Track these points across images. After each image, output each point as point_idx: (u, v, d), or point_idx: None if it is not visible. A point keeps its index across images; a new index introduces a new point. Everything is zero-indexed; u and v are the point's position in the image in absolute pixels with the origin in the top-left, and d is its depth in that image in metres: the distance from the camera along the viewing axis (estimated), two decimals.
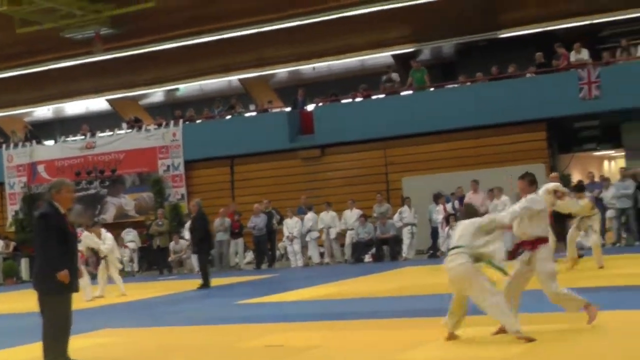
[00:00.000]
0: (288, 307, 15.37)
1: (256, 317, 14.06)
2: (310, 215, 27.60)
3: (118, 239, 30.63)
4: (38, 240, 10.32)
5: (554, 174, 21.08)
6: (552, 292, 10.09)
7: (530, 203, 10.13)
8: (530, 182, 10.45)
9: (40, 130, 39.02)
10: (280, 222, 28.21)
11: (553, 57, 28.14)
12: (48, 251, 10.01)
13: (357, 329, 11.85)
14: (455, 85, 30.12)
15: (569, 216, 18.36)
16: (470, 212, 10.36)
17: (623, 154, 28.24)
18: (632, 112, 26.35)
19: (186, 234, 27.53)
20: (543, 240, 10.19)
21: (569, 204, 16.96)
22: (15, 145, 35.36)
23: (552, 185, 16.55)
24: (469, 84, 29.56)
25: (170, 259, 29.02)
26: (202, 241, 22.30)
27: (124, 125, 35.53)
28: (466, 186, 26.05)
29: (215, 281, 23.02)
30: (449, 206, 26.09)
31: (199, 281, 21.72)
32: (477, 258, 9.73)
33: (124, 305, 18.92)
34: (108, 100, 39.37)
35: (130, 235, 30.53)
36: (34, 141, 35.46)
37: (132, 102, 39.56)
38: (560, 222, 18.81)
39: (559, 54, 27.91)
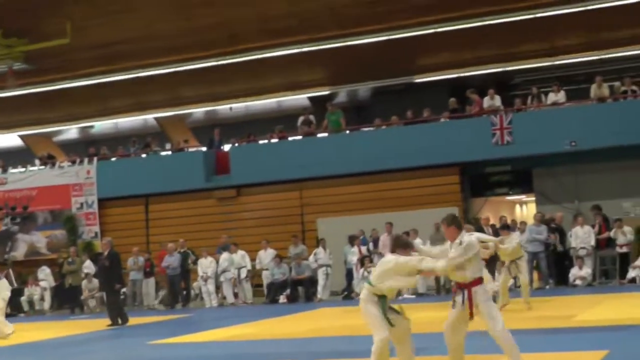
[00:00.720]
0: (201, 348, 15.27)
1: (167, 358, 13.94)
2: (225, 255, 27.47)
3: (30, 276, 30.28)
4: None
5: (468, 226, 21.42)
6: (498, 331, 10.13)
7: (470, 249, 10.10)
8: (459, 227, 10.40)
9: None
10: (195, 262, 28.05)
11: (466, 103, 28.67)
12: None
13: None
14: (371, 128, 30.40)
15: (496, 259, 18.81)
16: (401, 243, 10.29)
17: (534, 198, 28.75)
18: (543, 157, 26.90)
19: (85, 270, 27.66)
20: (479, 280, 10.20)
21: (509, 246, 17.89)
22: None
23: (480, 235, 16.90)
24: (384, 127, 29.85)
25: (82, 297, 28.60)
26: (114, 280, 22.09)
27: (37, 161, 35.06)
28: (381, 228, 26.25)
29: (129, 321, 22.80)
30: (364, 248, 26.26)
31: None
32: (379, 294, 9.82)
33: (32, 345, 18.57)
34: (20, 136, 38.85)
35: (43, 274, 30.00)
36: None
37: (46, 138, 39.08)
38: (491, 263, 19.17)
39: (472, 100, 28.44)
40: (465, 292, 10.03)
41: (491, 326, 10.05)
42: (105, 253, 22.70)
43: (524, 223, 26.18)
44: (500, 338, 10.07)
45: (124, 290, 26.13)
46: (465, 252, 9.93)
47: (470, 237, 10.22)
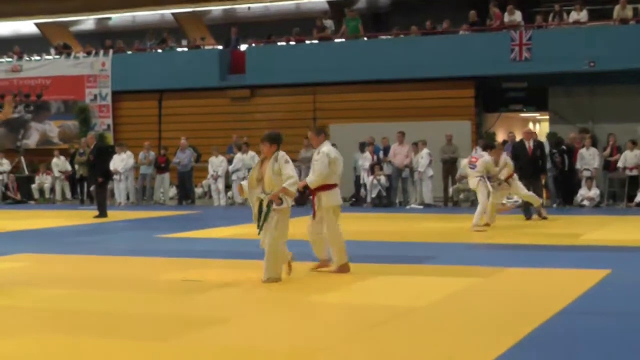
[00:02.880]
0: (208, 244, 15.42)
1: (175, 251, 14.11)
2: (238, 154, 27.53)
3: (42, 165, 30.48)
4: None
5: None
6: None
7: (328, 156, 11.29)
8: (318, 133, 11.73)
9: None
10: (198, 160, 28.09)
11: (487, 17, 28.41)
12: None
13: None
14: (389, 37, 30.21)
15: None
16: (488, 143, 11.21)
17: (548, 117, 28.66)
18: (560, 76, 26.75)
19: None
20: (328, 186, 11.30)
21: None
22: None
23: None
24: (402, 36, 29.67)
25: (91, 188, 28.79)
26: (101, 174, 22.33)
27: (52, 50, 34.98)
28: (392, 137, 26.28)
29: (137, 214, 23.07)
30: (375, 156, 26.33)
31: (120, 212, 21.74)
32: None
33: (42, 231, 18.82)
34: (37, 24, 38.66)
35: (59, 163, 29.94)
36: None
37: (62, 27, 38.88)
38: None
39: (492, 14, 28.16)
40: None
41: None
42: (91, 147, 22.92)
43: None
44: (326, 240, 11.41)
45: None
46: (327, 159, 11.31)
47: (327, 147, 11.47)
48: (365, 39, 30.51)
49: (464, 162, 18.70)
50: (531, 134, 21.24)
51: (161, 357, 6.98)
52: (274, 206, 10.35)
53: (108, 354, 7.04)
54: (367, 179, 26.02)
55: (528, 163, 20.02)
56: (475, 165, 18.20)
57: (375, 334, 7.69)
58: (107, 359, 6.92)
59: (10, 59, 33.61)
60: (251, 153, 27.49)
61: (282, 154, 10.56)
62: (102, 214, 22.07)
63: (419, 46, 28.39)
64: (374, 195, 25.72)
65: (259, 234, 10.52)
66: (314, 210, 11.31)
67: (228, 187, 27.68)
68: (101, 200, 22.51)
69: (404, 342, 7.41)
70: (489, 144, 20.29)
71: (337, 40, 30.45)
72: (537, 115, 31.60)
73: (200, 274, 11.02)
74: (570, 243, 15.03)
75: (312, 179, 11.23)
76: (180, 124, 30.38)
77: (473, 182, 18.20)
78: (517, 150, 20.80)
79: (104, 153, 23.26)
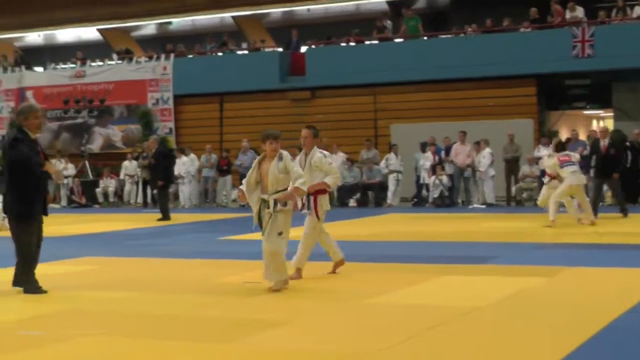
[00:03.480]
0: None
1: (237, 253, 14.16)
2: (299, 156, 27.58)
3: (105, 169, 30.84)
4: (5, 166, 10.45)
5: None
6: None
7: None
8: (316, 134, 11.55)
9: (31, 56, 38.83)
10: None
11: (548, 14, 28.12)
12: (9, 176, 10.23)
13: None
14: (449, 36, 30.08)
15: None
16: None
17: (612, 114, 28.31)
18: (623, 72, 26.39)
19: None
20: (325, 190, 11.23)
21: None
22: (5, 70, 35.21)
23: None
24: (462, 35, 29.52)
25: (153, 192, 29.03)
26: (163, 179, 22.57)
27: (115, 56, 35.37)
28: (453, 136, 26.15)
29: (199, 217, 23.24)
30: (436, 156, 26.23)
31: (184, 214, 21.91)
32: None
33: (106, 234, 19.02)
34: (99, 30, 39.10)
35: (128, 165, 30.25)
36: (23, 67, 35.32)
37: (124, 33, 39.29)
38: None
39: (553, 11, 27.87)
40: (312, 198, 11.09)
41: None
42: (152, 151, 23.13)
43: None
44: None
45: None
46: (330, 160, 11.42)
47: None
48: (425, 38, 30.41)
49: (551, 162, 18.38)
50: (605, 133, 21.00)
51: (223, 359, 6.99)
52: (279, 207, 10.06)
53: (171, 355, 7.08)
54: (428, 179, 25.92)
55: (603, 162, 19.85)
56: (571, 162, 17.92)
57: (437, 335, 7.64)
58: None
59: (73, 65, 34.09)
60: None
61: (285, 152, 10.23)
62: (165, 217, 22.29)
63: (479, 44, 28.22)
64: (435, 195, 25.62)
65: (263, 235, 10.18)
66: (316, 212, 11.17)
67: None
68: (163, 204, 22.74)
69: (466, 343, 7.34)
70: (560, 143, 20.09)
71: (396, 40, 30.38)
72: (600, 112, 31.25)
73: (261, 276, 11.02)
74: (637, 242, 14.81)
75: (333, 180, 11.16)
76: (242, 126, 30.52)
77: (573, 179, 17.79)
78: (592, 149, 20.78)
79: (165, 157, 23.46)
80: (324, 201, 11.15)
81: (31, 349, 7.35)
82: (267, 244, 10.05)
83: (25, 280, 10.15)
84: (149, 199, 28.77)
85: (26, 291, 10.11)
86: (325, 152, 11.48)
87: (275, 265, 10.08)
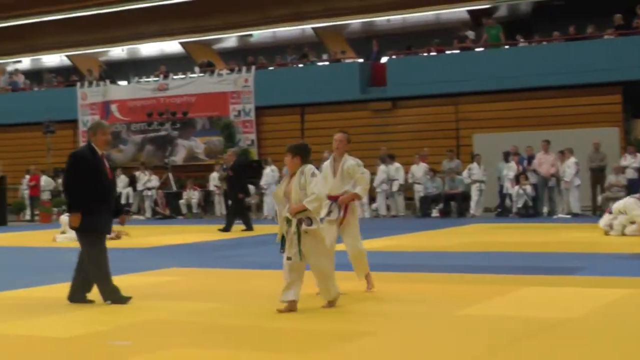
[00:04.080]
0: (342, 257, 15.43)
1: None
2: (382, 167, 27.64)
3: (189, 181, 31.12)
4: (64, 179, 10.64)
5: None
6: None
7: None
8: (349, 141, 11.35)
9: (115, 71, 39.42)
10: None
11: (633, 20, 27.64)
12: (69, 191, 10.39)
13: (420, 281, 11.87)
14: (531, 44, 29.76)
15: None
16: None
17: None
18: None
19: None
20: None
21: None
22: (90, 84, 35.81)
23: None
24: (544, 43, 29.19)
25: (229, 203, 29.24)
26: (238, 190, 22.78)
27: (197, 68, 35.74)
28: (536, 146, 25.86)
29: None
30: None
31: (266, 226, 22.04)
32: None
33: (189, 246, 19.17)
34: (181, 44, 39.56)
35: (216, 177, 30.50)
36: (107, 81, 35.89)
37: (205, 46, 39.70)
38: None
39: (639, 16, 27.39)
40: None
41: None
42: (231, 163, 23.30)
43: None
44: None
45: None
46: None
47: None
48: (507, 47, 30.12)
49: None
50: None
51: None
52: (303, 227, 9.42)
53: None
54: (511, 189, 25.66)
55: None
56: None
57: (524, 347, 7.49)
58: None
59: (156, 78, 34.51)
60: (396, 164, 27.48)
61: (309, 167, 9.58)
62: (248, 227, 22.47)
63: (562, 52, 27.88)
64: (519, 205, 25.34)
65: (280, 252, 9.63)
66: (344, 218, 10.79)
67: (372, 199, 27.69)
68: (244, 215, 22.92)
69: (555, 356, 7.19)
70: None
71: (477, 49, 30.16)
72: None
73: (345, 286, 10.98)
74: None
75: (363, 191, 10.90)
76: (322, 137, 30.46)
77: None
78: None
79: (243, 169, 23.70)
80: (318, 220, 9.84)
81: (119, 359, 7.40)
82: (314, 267, 9.69)
83: (109, 291, 10.24)
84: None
85: (108, 300, 10.22)
86: (358, 160, 11.13)
87: (326, 284, 9.74)
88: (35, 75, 43.36)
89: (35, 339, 8.35)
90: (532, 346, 7.53)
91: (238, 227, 22.60)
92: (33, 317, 9.51)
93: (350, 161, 10.91)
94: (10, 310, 10.13)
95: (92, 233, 10.24)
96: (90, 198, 10.15)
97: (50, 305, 10.21)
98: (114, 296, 10.22)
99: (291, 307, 9.40)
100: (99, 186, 10.22)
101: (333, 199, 10.73)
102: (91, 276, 10.28)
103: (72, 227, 10.38)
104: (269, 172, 28.58)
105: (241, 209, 23.15)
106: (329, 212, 10.72)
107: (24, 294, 11.54)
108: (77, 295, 10.36)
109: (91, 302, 10.27)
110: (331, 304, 9.73)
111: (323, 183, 9.80)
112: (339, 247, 10.76)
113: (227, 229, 22.52)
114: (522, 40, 30.34)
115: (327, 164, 11.00)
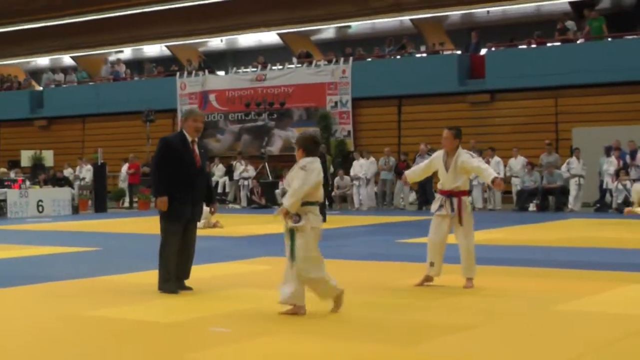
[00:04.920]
0: (448, 249, 15.35)
1: (414, 256, 14.03)
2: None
3: (284, 171, 31.31)
4: (152, 162, 10.75)
5: None
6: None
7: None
8: (456, 136, 10.74)
9: (213, 61, 39.83)
10: None
11: None
12: (155, 176, 10.40)
13: (516, 275, 11.73)
14: (635, 36, 29.15)
15: None
16: None
17: None
18: None
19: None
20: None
21: None
22: (189, 74, 36.24)
23: None
24: None
25: (333, 194, 29.36)
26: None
27: (294, 59, 35.88)
28: (638, 140, 25.34)
29: (377, 219, 23.29)
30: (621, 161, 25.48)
31: (361, 217, 22.03)
32: None
33: (282, 235, 19.18)
34: (279, 35, 39.76)
35: None
36: (206, 71, 36.28)
37: (303, 37, 39.84)
38: None
39: None
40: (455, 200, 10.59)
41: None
42: None
43: None
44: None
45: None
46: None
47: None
48: (610, 39, 29.55)
49: None
50: None
51: None
52: (290, 224, 8.77)
53: (355, 356, 7.05)
54: (611, 184, 25.18)
55: None
56: None
57: (625, 346, 7.33)
58: None
59: (255, 69, 34.75)
60: (496, 158, 27.22)
61: (304, 160, 8.85)
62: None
63: None
64: (619, 200, 24.85)
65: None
66: (460, 215, 10.62)
67: (469, 192, 27.43)
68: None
69: None
70: None
71: (579, 41, 29.66)
72: None
73: (440, 279, 10.90)
74: None
75: (491, 173, 10.64)
76: (420, 129, 30.42)
77: None
78: None
79: (324, 161, 23.72)
80: (312, 217, 8.90)
81: (222, 345, 7.48)
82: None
83: (162, 280, 10.31)
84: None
85: (161, 289, 10.27)
86: (472, 152, 10.96)
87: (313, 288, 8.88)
88: (137, 65, 44.10)
89: (136, 323, 8.50)
90: (634, 345, 7.38)
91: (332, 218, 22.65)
92: (136, 303, 9.70)
93: (465, 155, 10.70)
94: (115, 294, 10.32)
95: (171, 220, 10.27)
96: (175, 185, 10.20)
97: (149, 291, 10.35)
98: (165, 286, 10.25)
99: (295, 310, 8.74)
100: (183, 173, 10.26)
101: (445, 193, 10.66)
102: (159, 258, 10.33)
103: (158, 210, 10.40)
104: (366, 164, 28.66)
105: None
106: (440, 207, 10.64)
107: (127, 279, 11.75)
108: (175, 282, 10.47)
109: (189, 289, 10.37)
110: (336, 303, 8.94)
111: (309, 177, 8.75)
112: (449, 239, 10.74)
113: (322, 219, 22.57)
114: (625, 32, 29.72)
115: (439, 155, 10.83)
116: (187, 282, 10.46)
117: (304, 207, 8.78)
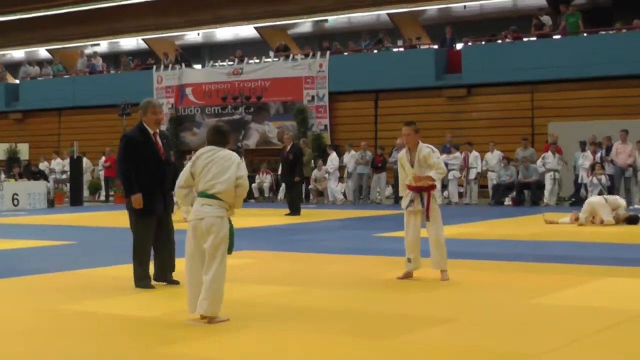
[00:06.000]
0: (425, 243, 15.38)
1: (392, 250, 14.07)
2: (457, 154, 27.52)
3: (261, 165, 31.33)
4: (117, 161, 10.62)
5: None
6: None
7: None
8: (416, 131, 10.88)
9: (190, 55, 39.70)
10: None
11: None
12: (123, 172, 10.27)
13: (493, 269, 11.79)
14: (610, 32, 29.29)
15: None
16: None
17: None
18: None
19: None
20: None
21: None
22: (166, 67, 36.11)
23: None
24: (624, 31, 28.70)
25: (310, 187, 29.40)
26: (295, 173, 23.20)
27: (272, 53, 35.80)
28: (614, 135, 25.45)
29: (354, 213, 23.29)
30: (597, 155, 25.56)
31: (339, 211, 22.06)
32: None
33: (260, 229, 19.23)
34: (256, 28, 39.68)
35: None
36: (183, 64, 36.15)
37: (280, 31, 39.78)
38: None
39: None
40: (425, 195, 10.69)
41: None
42: (289, 147, 23.42)
43: None
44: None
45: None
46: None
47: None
48: (585, 34, 29.67)
49: None
50: None
51: (391, 354, 6.90)
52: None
53: (336, 349, 7.07)
54: (586, 178, 25.29)
55: None
56: None
57: (605, 338, 7.39)
58: (336, 355, 6.93)
59: (231, 63, 34.66)
60: (475, 153, 27.34)
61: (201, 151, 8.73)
62: (295, 212, 22.61)
63: None
64: (594, 195, 24.94)
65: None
66: (428, 210, 10.73)
67: (444, 186, 27.51)
68: (295, 199, 23.10)
69: (638, 348, 7.07)
70: None
71: (555, 37, 29.76)
72: None
73: (418, 272, 10.93)
74: None
75: (438, 175, 10.69)
76: (396, 123, 30.18)
77: None
78: None
79: (301, 154, 23.95)
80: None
81: (194, 340, 7.46)
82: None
83: (138, 277, 10.24)
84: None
85: (137, 286, 10.20)
86: (432, 147, 10.95)
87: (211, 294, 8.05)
88: (113, 59, 43.91)
89: (111, 317, 8.52)
90: (614, 337, 7.45)
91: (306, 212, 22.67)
92: (112, 296, 9.71)
93: (425, 149, 10.75)
94: (90, 288, 10.30)
95: (145, 216, 10.18)
96: (143, 180, 10.09)
97: (125, 286, 10.30)
98: (141, 283, 10.20)
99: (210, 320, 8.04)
100: (150, 167, 10.15)
101: (414, 189, 10.69)
102: (133, 256, 10.28)
103: (127, 207, 10.28)
104: (347, 158, 28.91)
105: (296, 192, 23.44)
106: (410, 202, 10.67)
107: (103, 273, 11.72)
108: (161, 275, 10.43)
109: (177, 282, 10.31)
110: (206, 319, 8.02)
111: (183, 173, 8.56)
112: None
113: (296, 212, 22.67)
114: (601, 28, 29.84)
115: (402, 155, 10.88)
116: (174, 275, 10.43)
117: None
